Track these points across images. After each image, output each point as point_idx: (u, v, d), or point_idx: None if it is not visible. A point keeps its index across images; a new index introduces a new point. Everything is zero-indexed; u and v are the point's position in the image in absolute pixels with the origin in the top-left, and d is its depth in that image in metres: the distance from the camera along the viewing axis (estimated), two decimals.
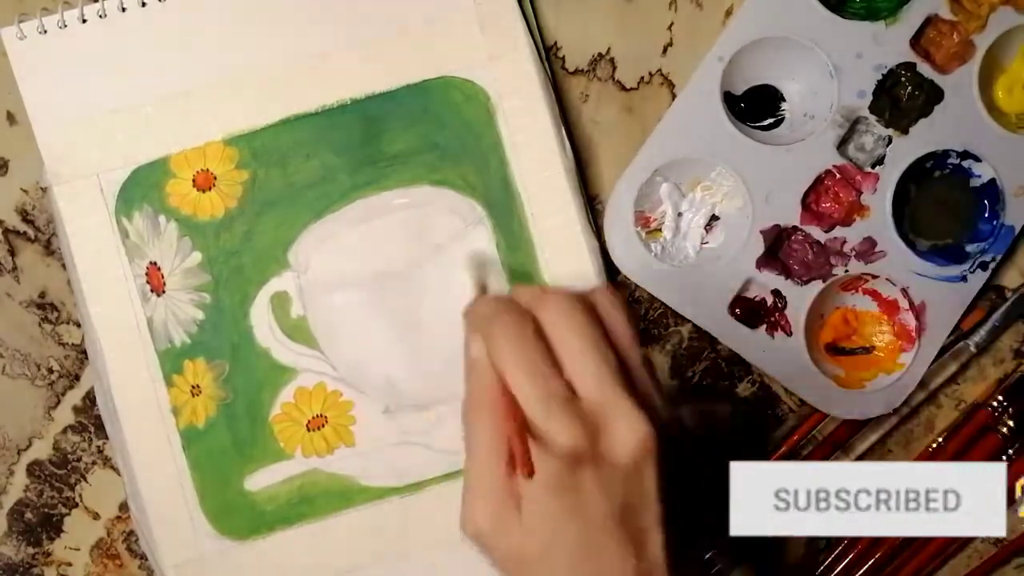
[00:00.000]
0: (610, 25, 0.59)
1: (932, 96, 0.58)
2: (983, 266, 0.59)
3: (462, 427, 0.41)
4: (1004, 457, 0.60)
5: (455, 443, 0.52)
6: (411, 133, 0.57)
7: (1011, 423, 0.60)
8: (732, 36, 0.58)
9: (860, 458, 0.61)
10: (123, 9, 0.57)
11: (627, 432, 0.38)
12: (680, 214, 0.60)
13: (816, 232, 0.58)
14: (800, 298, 0.58)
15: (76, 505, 0.59)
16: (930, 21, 0.58)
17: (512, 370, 0.38)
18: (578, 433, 0.37)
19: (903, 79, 0.58)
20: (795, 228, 0.58)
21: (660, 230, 0.60)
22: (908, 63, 0.58)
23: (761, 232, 0.58)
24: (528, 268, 0.58)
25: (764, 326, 0.59)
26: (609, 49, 0.59)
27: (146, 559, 0.59)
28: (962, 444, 0.60)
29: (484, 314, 0.40)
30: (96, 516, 0.59)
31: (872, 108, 0.58)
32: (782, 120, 0.60)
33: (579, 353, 0.38)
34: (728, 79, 0.58)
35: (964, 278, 0.59)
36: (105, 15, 0.57)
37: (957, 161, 0.59)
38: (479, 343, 0.40)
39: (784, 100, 0.60)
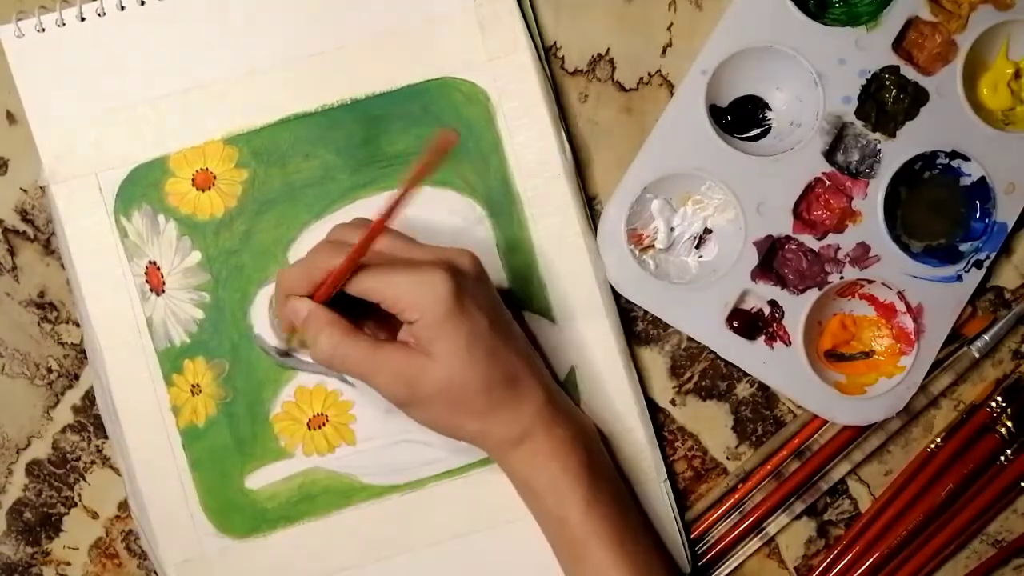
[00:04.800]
0: (610, 25, 0.61)
1: (917, 98, 0.60)
2: (978, 265, 0.60)
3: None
4: (1003, 457, 0.61)
5: (455, 441, 0.55)
6: (411, 133, 0.59)
7: (1010, 423, 0.61)
8: (714, 49, 0.59)
9: (862, 462, 0.61)
10: (122, 8, 0.58)
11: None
12: (672, 229, 0.61)
13: (809, 240, 0.60)
14: (797, 307, 0.60)
15: (75, 504, 0.60)
16: (911, 23, 0.60)
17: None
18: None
19: (887, 83, 0.60)
20: (788, 237, 0.60)
21: (653, 246, 0.61)
22: (892, 66, 0.59)
23: (754, 243, 0.59)
24: (528, 268, 0.59)
25: (762, 337, 0.60)
26: (608, 49, 0.61)
27: (145, 558, 0.59)
28: (961, 444, 0.61)
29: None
30: (95, 515, 0.60)
31: (858, 113, 0.59)
32: (769, 130, 0.62)
33: None
34: (712, 92, 0.59)
35: (960, 278, 0.60)
36: (104, 13, 0.58)
37: (946, 161, 0.60)
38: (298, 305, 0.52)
39: (770, 109, 0.62)
